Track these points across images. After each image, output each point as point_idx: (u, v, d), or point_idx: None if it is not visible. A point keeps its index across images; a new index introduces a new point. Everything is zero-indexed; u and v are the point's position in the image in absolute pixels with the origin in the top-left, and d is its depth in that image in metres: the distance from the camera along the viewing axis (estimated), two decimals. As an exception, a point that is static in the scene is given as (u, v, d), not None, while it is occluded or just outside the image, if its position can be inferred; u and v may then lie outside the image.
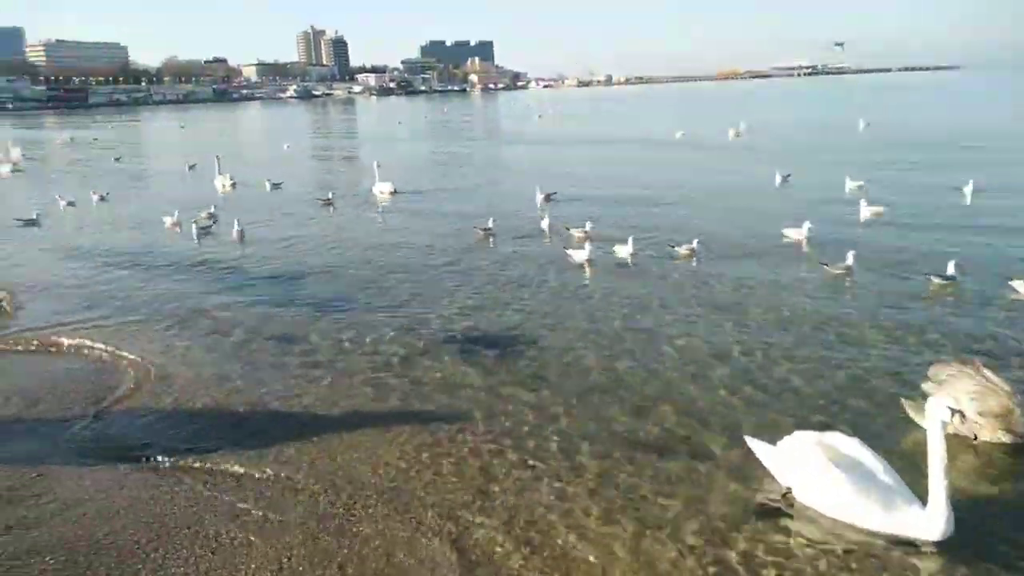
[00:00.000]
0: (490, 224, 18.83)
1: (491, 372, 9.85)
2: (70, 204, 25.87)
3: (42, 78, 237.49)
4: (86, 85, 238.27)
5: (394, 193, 25.82)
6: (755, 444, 6.90)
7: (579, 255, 15.60)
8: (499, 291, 13.81)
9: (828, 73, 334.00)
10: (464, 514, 6.49)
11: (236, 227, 19.46)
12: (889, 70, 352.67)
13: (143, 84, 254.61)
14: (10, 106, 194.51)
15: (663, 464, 7.18)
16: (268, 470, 7.41)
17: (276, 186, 27.72)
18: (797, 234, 16.49)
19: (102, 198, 26.60)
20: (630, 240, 15.76)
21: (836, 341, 10.35)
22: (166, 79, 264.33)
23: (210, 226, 20.71)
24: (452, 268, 15.76)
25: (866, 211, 18.81)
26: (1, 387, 9.88)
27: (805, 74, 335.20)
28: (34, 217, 23.14)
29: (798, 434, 6.67)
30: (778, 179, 24.96)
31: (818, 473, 6.18)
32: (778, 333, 10.81)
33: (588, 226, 17.70)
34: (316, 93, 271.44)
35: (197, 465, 7.58)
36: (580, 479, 6.99)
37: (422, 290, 14.06)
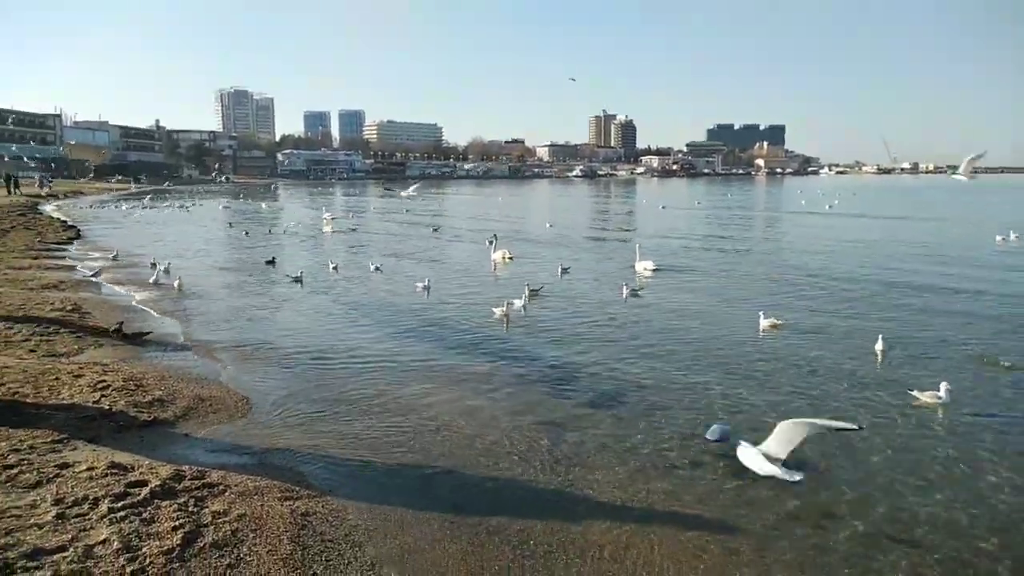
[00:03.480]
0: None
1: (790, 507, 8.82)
2: (335, 268, 28.87)
3: (372, 152, 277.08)
4: (406, 160, 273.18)
5: (657, 270, 27.63)
6: None
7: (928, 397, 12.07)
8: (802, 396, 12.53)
9: None
10: None
11: (522, 302, 20.13)
12: None
13: (451, 160, 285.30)
14: (344, 176, 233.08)
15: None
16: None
17: (566, 271, 28.04)
18: None
19: (378, 269, 28.69)
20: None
21: None
22: (470, 156, 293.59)
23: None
24: (725, 360, 14.78)
25: None
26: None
27: None
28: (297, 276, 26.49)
29: None
30: None
31: None
32: None
33: None
34: (600, 173, 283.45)
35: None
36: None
37: (703, 388, 13.28)
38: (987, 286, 24.20)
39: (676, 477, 9.72)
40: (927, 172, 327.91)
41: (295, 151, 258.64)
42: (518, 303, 20.14)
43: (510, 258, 31.66)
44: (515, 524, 8.31)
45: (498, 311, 19.55)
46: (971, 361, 15.06)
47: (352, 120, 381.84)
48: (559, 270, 27.81)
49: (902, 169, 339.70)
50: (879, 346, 15.42)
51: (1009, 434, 11.11)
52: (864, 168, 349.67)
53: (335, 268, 29.01)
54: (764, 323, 17.78)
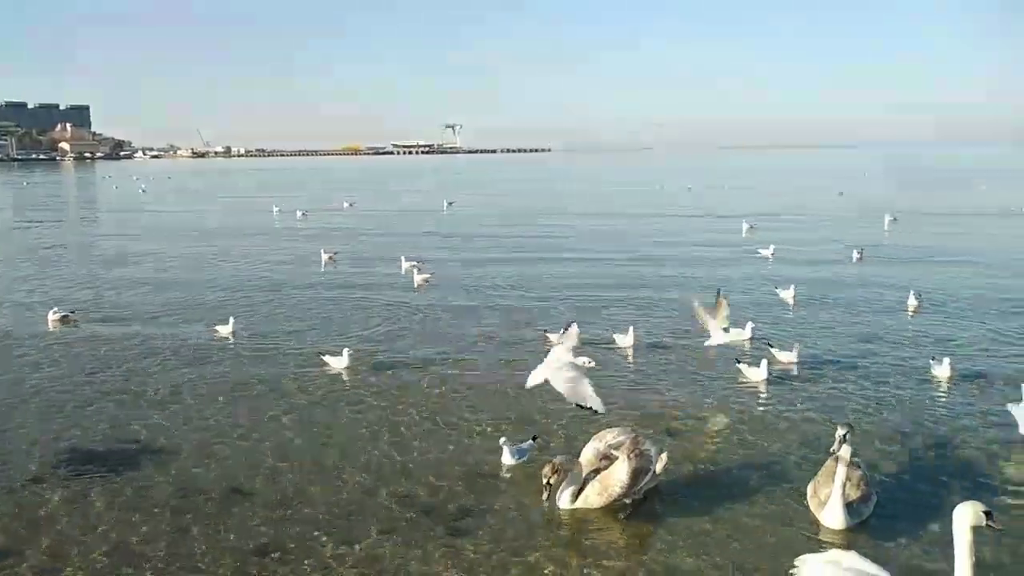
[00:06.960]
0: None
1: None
2: None
3: None
4: None
5: None
6: None
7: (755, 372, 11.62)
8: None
9: (443, 152, 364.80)
10: None
11: None
12: (495, 151, 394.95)
13: None
14: None
15: None
16: None
17: None
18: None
19: None
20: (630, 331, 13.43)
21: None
22: None
23: None
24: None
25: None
26: None
27: (422, 152, 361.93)
28: None
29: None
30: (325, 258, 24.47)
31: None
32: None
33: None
34: None
35: None
36: None
37: None
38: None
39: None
40: (239, 156, 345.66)
41: None
42: None
43: None
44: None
45: None
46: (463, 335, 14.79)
47: None
48: None
49: (215, 153, 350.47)
50: (228, 327, 14.73)
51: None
52: (180, 152, 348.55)
53: None
54: (53, 317, 16.53)
